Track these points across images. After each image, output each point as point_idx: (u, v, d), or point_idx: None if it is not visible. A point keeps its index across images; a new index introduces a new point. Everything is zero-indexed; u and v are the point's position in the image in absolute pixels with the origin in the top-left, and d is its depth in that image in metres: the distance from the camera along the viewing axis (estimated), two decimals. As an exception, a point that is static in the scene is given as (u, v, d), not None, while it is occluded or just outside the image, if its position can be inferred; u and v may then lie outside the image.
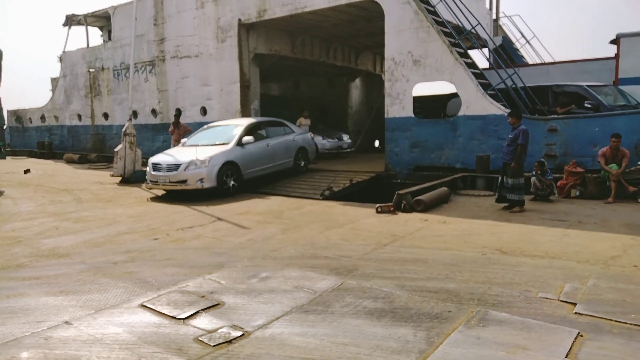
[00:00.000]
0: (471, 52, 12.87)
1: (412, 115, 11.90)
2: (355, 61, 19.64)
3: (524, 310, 3.88)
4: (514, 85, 11.63)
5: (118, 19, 19.00)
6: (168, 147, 13.54)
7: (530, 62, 16.99)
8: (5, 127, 15.88)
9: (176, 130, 13.83)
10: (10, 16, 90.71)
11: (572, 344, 3.28)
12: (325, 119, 19.80)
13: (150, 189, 11.02)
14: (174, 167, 10.43)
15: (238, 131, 11.45)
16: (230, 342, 3.47)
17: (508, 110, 9.56)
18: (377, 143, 20.93)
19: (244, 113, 15.03)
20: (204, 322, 3.83)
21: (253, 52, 15.18)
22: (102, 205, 9.81)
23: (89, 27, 21.20)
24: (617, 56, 12.56)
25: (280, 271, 5.11)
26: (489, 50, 15.26)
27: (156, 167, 10.75)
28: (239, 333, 3.60)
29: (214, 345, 3.41)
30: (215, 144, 11.15)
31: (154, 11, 17.10)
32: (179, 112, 14.20)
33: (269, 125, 12.59)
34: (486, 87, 11.16)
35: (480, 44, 14.11)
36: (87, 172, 15.93)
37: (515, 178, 8.16)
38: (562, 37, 66.11)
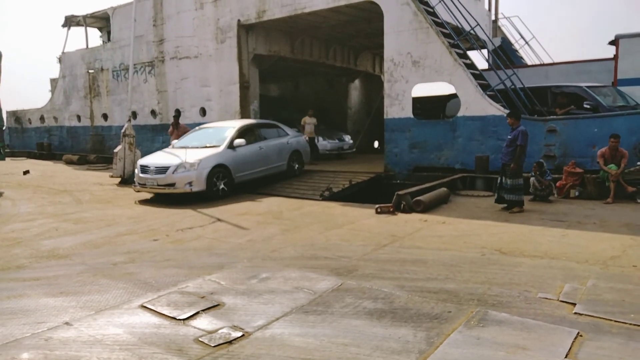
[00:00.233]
0: (470, 53, 12.90)
1: (412, 116, 11.91)
2: (355, 62, 19.64)
3: (524, 311, 3.89)
4: (513, 86, 11.64)
5: (117, 20, 19.01)
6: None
7: (529, 63, 17.04)
8: (4, 128, 15.89)
9: (175, 131, 13.78)
10: (10, 17, 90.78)
11: (572, 344, 3.29)
12: (324, 120, 19.78)
13: (138, 191, 10.80)
14: (162, 170, 10.14)
15: (230, 133, 11.17)
16: (230, 342, 3.47)
17: (507, 111, 9.56)
18: (376, 144, 20.92)
19: (244, 114, 15.02)
20: (204, 322, 3.84)
21: (252, 53, 15.18)
22: (102, 206, 9.80)
23: (88, 28, 21.20)
24: (615, 57, 12.60)
25: (280, 272, 5.12)
26: (488, 51, 15.30)
27: (144, 169, 10.45)
28: (239, 333, 3.61)
29: (214, 346, 3.42)
30: (206, 147, 10.89)
31: (153, 12, 17.11)
32: (178, 113, 14.16)
33: (263, 128, 12.37)
34: (485, 88, 11.17)
35: (479, 45, 14.15)
36: (87, 173, 15.91)
37: (514, 179, 8.17)
38: (561, 38, 66.27)
